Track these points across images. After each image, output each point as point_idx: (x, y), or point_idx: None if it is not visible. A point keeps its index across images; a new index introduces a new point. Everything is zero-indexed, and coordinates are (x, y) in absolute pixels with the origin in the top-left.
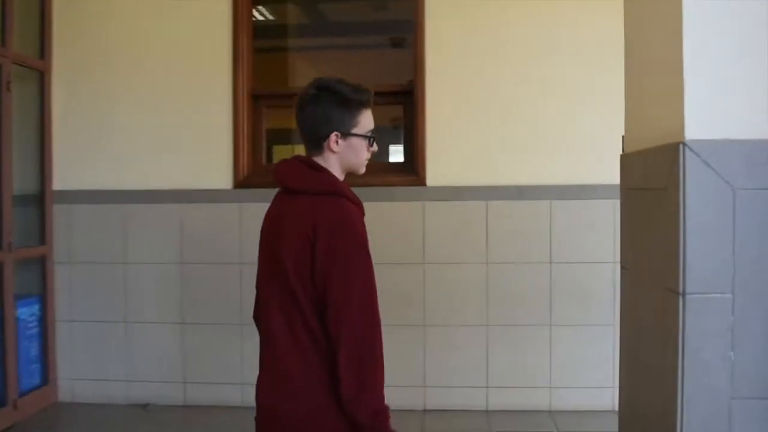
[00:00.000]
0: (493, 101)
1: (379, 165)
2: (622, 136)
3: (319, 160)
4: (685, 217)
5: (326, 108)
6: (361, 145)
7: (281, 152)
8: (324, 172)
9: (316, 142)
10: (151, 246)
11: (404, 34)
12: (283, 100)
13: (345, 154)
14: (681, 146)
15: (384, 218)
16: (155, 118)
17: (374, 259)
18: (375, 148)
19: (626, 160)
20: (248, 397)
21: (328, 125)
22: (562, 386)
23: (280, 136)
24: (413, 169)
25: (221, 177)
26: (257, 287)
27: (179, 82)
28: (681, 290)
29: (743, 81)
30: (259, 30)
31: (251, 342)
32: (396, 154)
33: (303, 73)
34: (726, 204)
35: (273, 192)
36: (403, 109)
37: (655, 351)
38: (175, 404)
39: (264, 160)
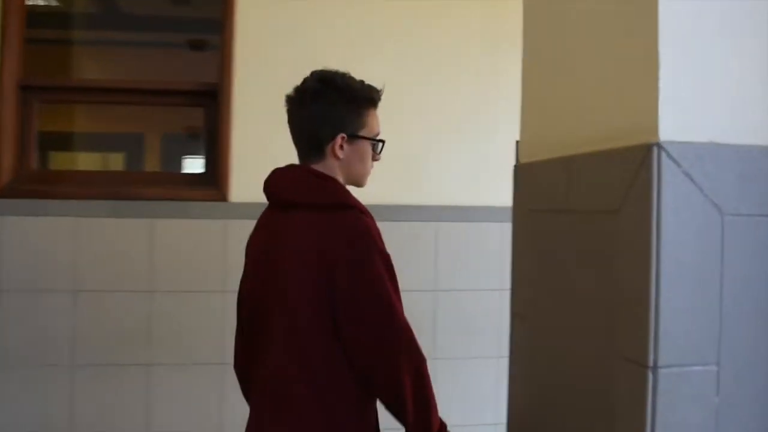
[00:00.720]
0: None
1: (171, 176)
2: (517, 141)
3: (320, 168)
4: (658, 257)
5: (332, 105)
6: (367, 150)
7: (60, 159)
8: (331, 180)
9: (317, 146)
10: None
11: (209, 33)
12: (62, 94)
13: (350, 162)
14: (655, 149)
15: (177, 238)
16: None
17: (158, 287)
18: (380, 156)
19: (528, 172)
20: None
21: (333, 126)
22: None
23: (60, 141)
24: (214, 182)
25: None
26: (243, 331)
27: None
28: (651, 362)
29: (738, 65)
30: (38, 16)
31: (13, 386)
32: (194, 167)
33: (88, 69)
34: (712, 236)
35: (46, 204)
36: (205, 113)
37: None
38: None
39: (35, 165)
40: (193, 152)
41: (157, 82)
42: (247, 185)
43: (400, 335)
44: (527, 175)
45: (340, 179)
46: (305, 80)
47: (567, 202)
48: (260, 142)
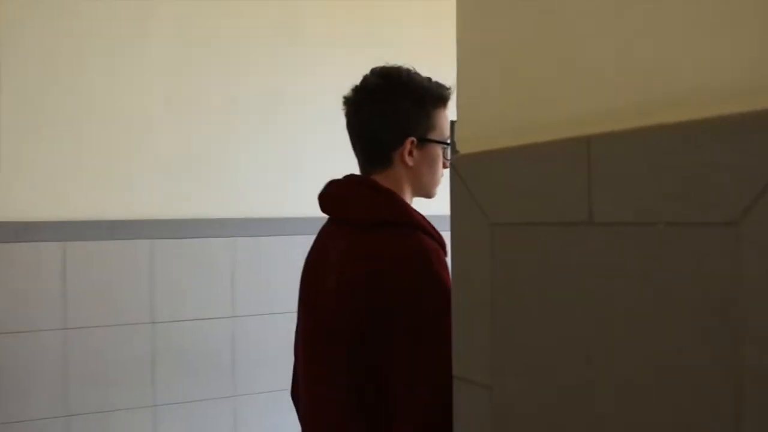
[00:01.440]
0: (78, 110)
1: None
2: (452, 122)
3: (383, 179)
4: None
5: (399, 105)
6: (438, 155)
7: None
8: (389, 193)
9: (383, 153)
10: None
11: None
12: None
13: (420, 170)
14: None
15: None
16: None
17: None
18: (450, 162)
19: (484, 166)
20: None
21: (400, 128)
22: None
23: None
24: None
25: None
26: (296, 357)
27: None
28: None
29: None
30: None
31: None
32: None
33: None
34: None
35: None
36: None
37: None
38: None
39: None
40: None
41: None
42: None
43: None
44: (483, 171)
45: (408, 191)
46: (365, 78)
47: (589, 210)
48: (15, 148)
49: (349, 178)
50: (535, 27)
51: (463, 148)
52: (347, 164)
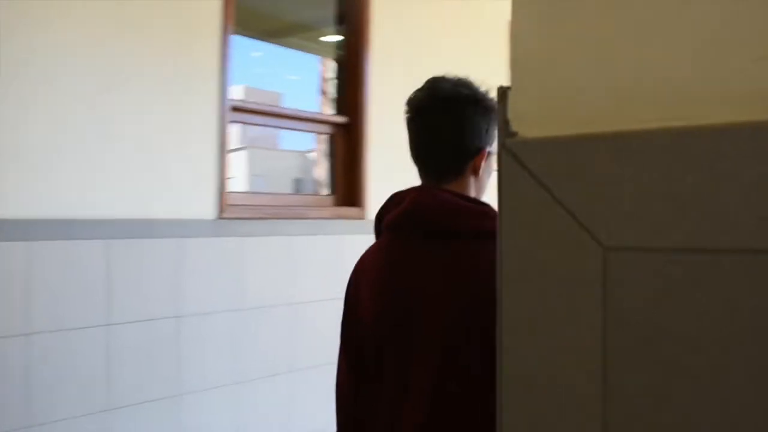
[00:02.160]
0: None
1: None
2: (503, 88)
3: (455, 188)
4: None
5: (477, 115)
6: (494, 166)
7: None
8: (484, 204)
9: (459, 163)
10: None
11: None
12: None
13: (483, 180)
14: None
15: None
16: None
17: None
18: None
19: (600, 156)
20: None
21: (479, 139)
22: None
23: None
24: None
25: None
26: (363, 377)
27: None
28: None
29: None
30: None
31: None
32: None
33: None
34: None
35: None
36: None
37: None
38: None
39: None
40: None
41: None
42: None
43: None
44: (581, 167)
45: None
46: (436, 85)
47: None
48: None
49: (436, 190)
50: None
51: (528, 129)
52: (79, 156)
